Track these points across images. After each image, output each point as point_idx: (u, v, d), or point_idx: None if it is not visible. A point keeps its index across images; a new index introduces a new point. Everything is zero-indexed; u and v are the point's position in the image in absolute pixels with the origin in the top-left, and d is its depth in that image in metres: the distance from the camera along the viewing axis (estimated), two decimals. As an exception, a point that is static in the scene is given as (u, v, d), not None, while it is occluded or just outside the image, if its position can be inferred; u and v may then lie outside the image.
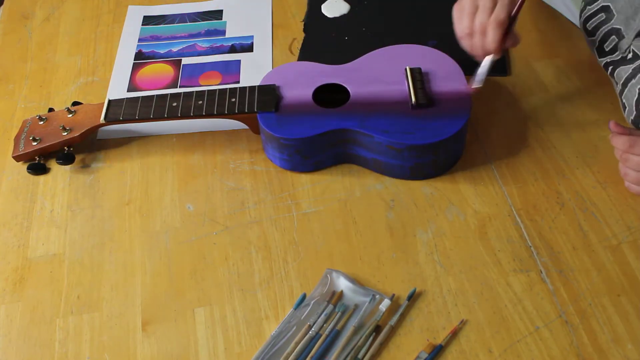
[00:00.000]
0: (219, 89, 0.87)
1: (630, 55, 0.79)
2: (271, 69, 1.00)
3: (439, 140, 0.79)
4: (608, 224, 0.77)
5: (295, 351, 0.68)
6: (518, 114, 0.91)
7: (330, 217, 0.81)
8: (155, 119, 0.86)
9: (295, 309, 0.72)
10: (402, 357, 0.68)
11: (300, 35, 1.06)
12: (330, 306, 0.71)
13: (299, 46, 1.04)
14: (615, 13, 0.82)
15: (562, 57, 0.97)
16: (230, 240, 0.80)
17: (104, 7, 1.15)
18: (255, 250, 0.78)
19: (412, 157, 0.80)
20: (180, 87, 1.00)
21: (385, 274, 0.75)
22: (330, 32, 1.06)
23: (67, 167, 0.89)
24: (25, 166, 0.89)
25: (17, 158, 0.89)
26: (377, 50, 0.90)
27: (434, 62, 0.88)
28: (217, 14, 1.12)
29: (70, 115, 0.90)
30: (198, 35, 1.08)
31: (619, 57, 0.81)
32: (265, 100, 0.85)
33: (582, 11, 0.90)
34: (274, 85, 0.87)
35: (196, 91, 0.87)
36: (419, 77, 0.85)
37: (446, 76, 0.86)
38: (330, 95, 0.86)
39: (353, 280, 0.74)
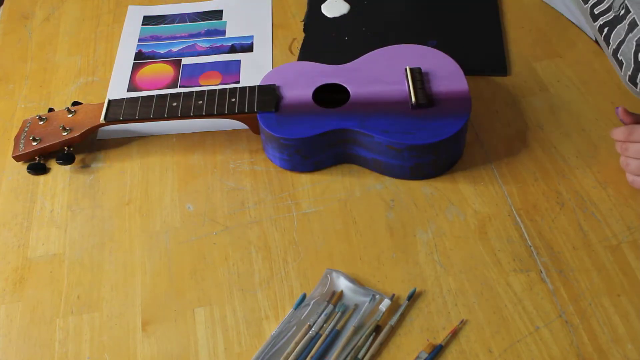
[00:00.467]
0: (219, 89, 0.87)
1: (622, 12, 0.79)
2: (271, 69, 1.00)
3: (439, 140, 0.79)
4: (608, 224, 0.77)
5: (295, 351, 0.68)
6: (518, 114, 0.91)
7: (330, 217, 0.81)
8: (155, 119, 0.86)
9: (295, 309, 0.72)
10: (402, 357, 0.68)
11: (300, 35, 1.06)
12: (330, 306, 0.71)
13: (299, 46, 1.04)
14: None
15: (562, 57, 0.97)
16: (230, 240, 0.80)
17: (104, 7, 1.15)
18: (255, 250, 0.78)
19: (412, 157, 0.80)
20: (180, 87, 1.00)
21: (385, 274, 0.75)
22: (330, 32, 1.06)
23: (67, 167, 0.89)
24: (25, 166, 0.89)
25: (17, 158, 0.89)
26: (377, 50, 0.90)
27: (434, 62, 0.88)
28: (217, 14, 1.12)
29: (70, 115, 0.90)
30: (198, 35, 1.08)
31: (612, 15, 0.81)
32: (265, 100, 0.85)
33: None
34: (274, 85, 0.87)
35: (196, 91, 0.87)
36: (419, 77, 0.85)
37: (446, 76, 0.86)
38: (330, 95, 0.86)
39: (353, 280, 0.74)
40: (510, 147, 0.86)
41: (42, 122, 0.91)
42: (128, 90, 1.00)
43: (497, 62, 0.97)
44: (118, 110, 0.87)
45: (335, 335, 0.69)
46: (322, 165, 0.86)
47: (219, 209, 0.83)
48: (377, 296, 0.72)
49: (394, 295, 0.72)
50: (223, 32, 1.09)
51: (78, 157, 0.90)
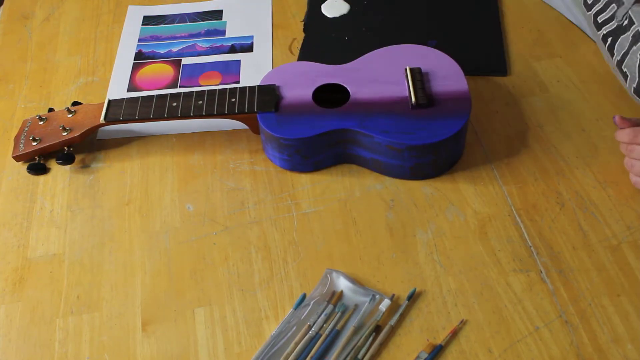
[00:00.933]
0: (219, 89, 0.87)
1: (626, 22, 0.78)
2: (271, 69, 1.00)
3: (439, 140, 0.79)
4: (608, 224, 0.77)
5: (295, 351, 0.68)
6: (518, 114, 0.91)
7: (330, 217, 0.81)
8: (155, 119, 0.86)
9: (295, 309, 0.72)
10: (402, 357, 0.68)
11: (300, 35, 1.06)
12: (330, 306, 0.71)
13: (299, 46, 1.04)
14: None
15: (562, 57, 0.97)
16: (230, 240, 0.80)
17: (104, 7, 1.15)
18: (255, 250, 0.78)
19: (412, 157, 0.80)
20: (180, 87, 1.00)
21: (385, 274, 0.75)
22: (330, 32, 1.06)
23: (67, 167, 0.89)
24: (25, 166, 0.89)
25: (17, 158, 0.89)
26: (377, 50, 0.90)
27: (434, 62, 0.88)
28: (217, 14, 1.12)
29: (70, 115, 0.90)
30: (198, 35, 1.08)
31: (615, 25, 0.80)
32: (265, 100, 0.85)
33: None
34: (273, 85, 0.87)
35: (196, 91, 0.87)
36: (419, 77, 0.85)
37: (446, 76, 0.86)
38: (330, 95, 0.86)
39: (353, 280, 0.74)
40: (510, 147, 0.86)
41: (42, 122, 0.91)
42: (128, 90, 1.00)
43: (497, 62, 0.97)
44: (118, 111, 0.87)
45: (335, 336, 0.69)
46: (322, 165, 0.86)
47: (219, 209, 0.83)
48: (377, 296, 0.72)
49: (393, 295, 0.72)
50: (223, 32, 1.09)
51: (78, 157, 0.90)
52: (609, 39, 0.83)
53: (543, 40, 1.00)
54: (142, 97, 0.88)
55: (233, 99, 0.86)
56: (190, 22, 1.11)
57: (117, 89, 1.00)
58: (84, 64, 1.05)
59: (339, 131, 0.81)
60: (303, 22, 1.08)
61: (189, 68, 1.03)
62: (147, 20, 1.12)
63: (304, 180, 0.85)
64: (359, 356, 0.67)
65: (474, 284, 0.73)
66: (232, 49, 1.05)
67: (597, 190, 0.81)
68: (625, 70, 0.80)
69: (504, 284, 0.73)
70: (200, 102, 0.86)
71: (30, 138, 0.89)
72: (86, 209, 0.84)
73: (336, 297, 0.72)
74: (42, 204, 0.86)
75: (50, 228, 0.83)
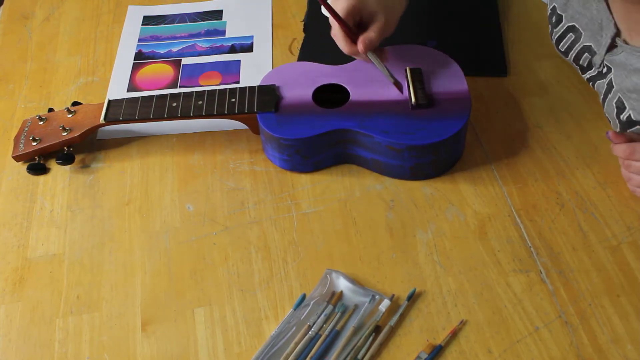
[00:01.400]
0: (219, 89, 0.87)
1: (604, 70, 0.81)
2: (271, 69, 1.00)
3: (439, 141, 0.79)
4: (608, 224, 0.77)
5: (295, 351, 0.68)
6: (518, 114, 0.90)
7: (330, 217, 0.81)
8: (155, 119, 0.86)
9: (295, 309, 0.72)
10: (402, 358, 0.68)
11: (300, 35, 1.06)
12: (330, 306, 0.71)
13: (299, 46, 1.04)
14: (582, 31, 0.84)
15: (562, 57, 0.97)
16: (230, 240, 0.80)
17: (104, 7, 1.15)
18: (255, 250, 0.78)
19: (412, 158, 0.80)
20: (180, 87, 1.00)
21: (385, 274, 0.75)
22: (330, 32, 1.06)
23: (67, 167, 0.89)
24: (25, 166, 0.89)
25: (17, 158, 0.89)
26: None
27: (434, 63, 0.87)
28: (217, 14, 1.12)
29: (70, 116, 0.90)
30: (198, 35, 1.08)
31: (596, 72, 0.83)
32: (265, 100, 0.85)
33: (551, 34, 0.91)
34: (273, 85, 0.87)
35: (196, 91, 0.87)
36: (419, 77, 0.85)
37: (446, 76, 0.86)
38: (330, 95, 0.86)
39: (353, 280, 0.74)
40: (510, 147, 0.86)
41: (42, 122, 0.91)
42: (128, 90, 1.00)
43: (497, 62, 0.97)
44: (118, 111, 0.87)
45: (335, 336, 0.69)
46: (322, 165, 0.86)
47: (219, 209, 0.83)
48: (377, 296, 0.72)
49: (393, 295, 0.72)
50: (223, 32, 1.09)
51: (78, 157, 0.90)
52: (591, 83, 0.86)
53: (543, 40, 1.00)
54: (142, 97, 0.88)
55: (233, 99, 0.86)
56: (190, 22, 1.11)
57: (117, 89, 1.00)
58: (84, 64, 1.05)
59: (339, 131, 0.81)
60: (303, 22, 1.08)
61: (189, 68, 1.03)
62: (147, 20, 1.12)
63: (304, 180, 0.85)
64: (359, 356, 0.67)
65: (474, 284, 0.73)
66: (232, 49, 1.05)
67: (597, 190, 0.81)
68: (607, 116, 0.83)
69: (504, 285, 0.73)
70: (200, 102, 0.86)
71: (30, 138, 0.89)
72: (86, 209, 0.84)
73: (336, 298, 0.72)
74: (42, 204, 0.86)
75: (50, 228, 0.83)
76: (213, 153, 0.89)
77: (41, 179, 0.89)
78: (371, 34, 0.79)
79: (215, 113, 0.85)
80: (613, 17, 0.78)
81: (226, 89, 0.87)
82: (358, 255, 0.77)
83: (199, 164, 0.88)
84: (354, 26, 0.80)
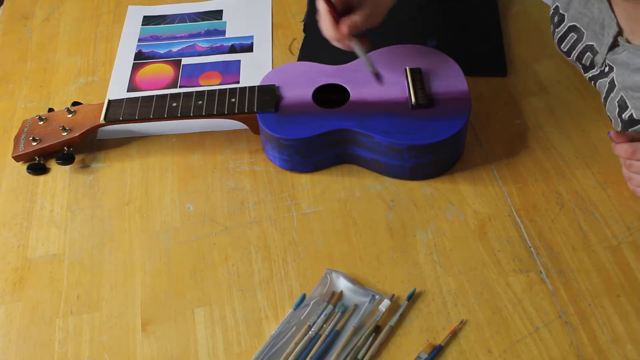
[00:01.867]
0: (219, 89, 0.87)
1: (606, 69, 0.81)
2: (271, 69, 1.00)
3: (439, 141, 0.79)
4: (608, 224, 0.77)
5: (295, 351, 0.68)
6: (518, 114, 0.90)
7: (330, 217, 0.81)
8: (155, 119, 0.86)
9: (295, 309, 0.72)
10: (402, 357, 0.68)
11: (300, 35, 1.06)
12: (330, 306, 0.71)
13: (299, 46, 1.04)
14: (584, 30, 0.84)
15: (562, 57, 0.97)
16: (230, 240, 0.80)
17: (104, 7, 1.15)
18: (255, 250, 0.78)
19: (412, 158, 0.80)
20: (180, 87, 1.00)
21: (385, 274, 0.75)
22: (330, 32, 1.06)
23: (67, 167, 0.89)
24: (25, 166, 0.89)
25: (17, 158, 0.89)
26: (377, 50, 0.90)
27: (434, 62, 0.87)
28: (217, 14, 1.12)
29: (70, 116, 0.90)
30: (198, 35, 1.08)
31: (598, 71, 0.83)
32: (265, 100, 0.85)
33: (553, 34, 0.91)
34: (273, 85, 0.87)
35: (196, 91, 0.87)
36: (419, 77, 0.85)
37: (446, 76, 0.86)
38: (330, 96, 0.86)
39: (353, 280, 0.74)
40: (510, 147, 0.86)
41: (42, 122, 0.91)
42: (128, 90, 1.00)
43: (497, 62, 0.97)
44: (118, 111, 0.87)
45: (335, 336, 0.69)
46: (322, 165, 0.86)
47: (219, 209, 0.83)
48: (377, 296, 0.72)
49: (393, 295, 0.72)
50: (223, 32, 1.09)
51: (78, 157, 0.90)
52: (592, 82, 0.86)
53: (543, 40, 1.00)
54: (142, 97, 0.88)
55: (233, 99, 0.86)
56: (190, 22, 1.11)
57: (117, 89, 1.00)
58: (84, 64, 1.05)
59: (339, 131, 0.81)
60: (303, 22, 1.08)
61: (189, 68, 1.03)
62: (147, 20, 1.12)
63: (304, 180, 0.85)
64: (359, 356, 0.67)
65: (474, 284, 0.73)
66: (232, 49, 1.05)
67: (597, 190, 0.81)
68: (608, 115, 0.83)
69: (504, 284, 0.73)
70: (200, 102, 0.86)
71: (30, 138, 0.89)
72: (86, 209, 0.84)
73: (336, 298, 0.72)
74: (42, 204, 0.86)
75: (50, 228, 0.83)
76: (213, 153, 0.89)
77: (41, 179, 0.89)
78: (355, 17, 0.79)
79: (215, 113, 0.85)
80: (615, 16, 0.78)
81: (226, 89, 0.87)
82: (358, 255, 0.77)
83: (199, 164, 0.88)
84: (342, 12, 0.80)
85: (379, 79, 0.84)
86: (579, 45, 0.84)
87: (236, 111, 0.85)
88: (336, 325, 0.70)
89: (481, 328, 0.70)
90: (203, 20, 1.11)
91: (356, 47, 0.82)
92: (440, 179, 0.84)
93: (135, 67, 1.04)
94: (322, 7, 0.80)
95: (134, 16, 1.13)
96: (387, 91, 0.85)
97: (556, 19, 0.89)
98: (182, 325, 0.72)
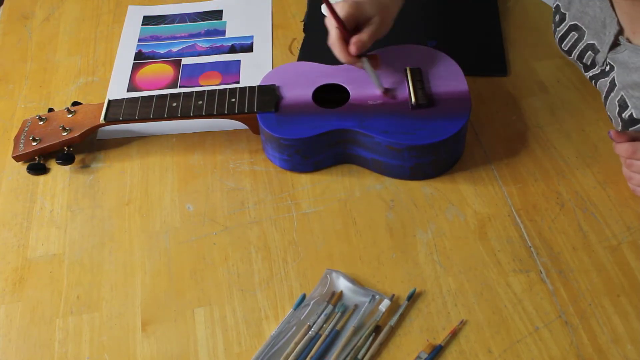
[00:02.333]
0: (219, 89, 0.87)
1: (607, 68, 0.81)
2: (271, 69, 1.00)
3: (439, 141, 0.79)
4: (608, 224, 0.77)
5: (295, 351, 0.68)
6: (518, 114, 0.90)
7: (330, 217, 0.81)
8: (155, 119, 0.86)
9: (295, 309, 0.72)
10: (402, 357, 0.68)
11: (300, 35, 1.06)
12: (330, 306, 0.71)
13: (299, 46, 1.04)
14: (585, 29, 0.84)
15: (562, 57, 0.97)
16: (230, 240, 0.80)
17: (104, 7, 1.15)
18: (255, 250, 0.78)
19: (411, 158, 0.80)
20: (180, 87, 1.00)
21: (385, 274, 0.75)
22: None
23: (67, 167, 0.89)
24: (25, 166, 0.89)
25: (17, 158, 0.89)
26: (376, 51, 0.90)
27: (434, 62, 0.88)
28: (217, 14, 1.12)
29: (70, 116, 0.90)
30: (198, 35, 1.08)
31: (599, 70, 0.83)
32: (265, 100, 0.85)
33: (554, 33, 0.92)
34: (273, 85, 0.87)
35: (196, 91, 0.87)
36: (419, 77, 0.85)
37: (446, 76, 0.86)
38: (330, 95, 0.86)
39: (353, 280, 0.74)
40: (510, 147, 0.86)
41: (42, 122, 0.91)
42: (128, 90, 1.00)
43: (497, 62, 0.97)
44: (118, 111, 0.87)
45: (335, 336, 0.69)
46: (322, 165, 0.86)
47: (219, 209, 0.83)
48: (377, 296, 0.72)
49: (393, 295, 0.72)
50: (223, 32, 1.09)
51: (78, 157, 0.90)
52: (593, 81, 0.86)
53: (543, 40, 1.00)
54: (142, 97, 0.88)
55: (233, 99, 0.86)
56: (190, 22, 1.11)
57: (117, 89, 1.00)
58: (84, 64, 1.05)
59: (338, 131, 0.81)
60: (303, 22, 1.08)
61: (189, 68, 1.03)
62: (147, 20, 1.12)
63: (304, 180, 0.85)
64: (359, 356, 0.67)
65: (474, 284, 0.73)
66: (232, 49, 1.05)
67: (597, 190, 0.81)
68: (609, 114, 0.83)
69: (504, 284, 0.73)
70: (200, 102, 0.86)
71: (30, 138, 0.89)
72: (86, 209, 0.84)
73: (336, 298, 0.72)
74: (42, 204, 0.86)
75: (50, 228, 0.83)
76: (213, 153, 0.89)
77: (41, 179, 0.89)
78: (363, 35, 0.80)
79: (215, 113, 0.85)
80: (616, 15, 0.78)
81: (226, 89, 0.87)
82: (358, 255, 0.77)
83: (199, 164, 0.88)
84: (351, 32, 0.81)
85: (386, 94, 0.84)
86: (580, 44, 0.84)
87: (236, 111, 0.85)
88: (336, 325, 0.70)
89: (481, 328, 0.70)
90: (203, 20, 1.11)
91: (366, 65, 0.82)
92: (440, 179, 0.84)
93: (135, 67, 1.04)
94: (332, 32, 0.81)
95: (134, 16, 1.13)
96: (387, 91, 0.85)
97: (557, 17, 0.89)
98: (182, 325, 0.72)
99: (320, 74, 0.88)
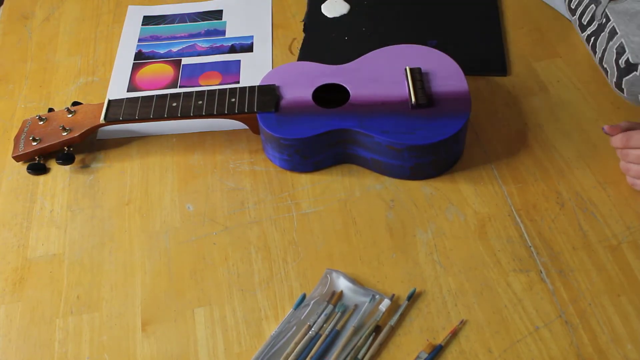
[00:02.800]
0: (219, 89, 0.87)
1: (604, 21, 0.80)
2: (271, 69, 1.00)
3: (439, 140, 0.79)
4: (608, 224, 0.77)
5: (295, 351, 0.68)
6: (518, 114, 0.90)
7: (330, 217, 0.81)
8: (155, 119, 0.86)
9: (295, 309, 0.72)
10: (402, 357, 0.68)
11: (300, 35, 1.06)
12: (330, 306, 0.71)
13: (299, 46, 1.04)
14: None
15: (562, 57, 0.97)
16: (230, 240, 0.80)
17: (104, 7, 1.15)
18: (255, 250, 0.78)
19: (412, 157, 0.80)
20: (180, 87, 1.00)
21: (385, 274, 0.75)
22: (330, 32, 1.06)
23: (67, 167, 0.89)
24: (25, 166, 0.89)
25: (17, 158, 0.89)
26: (377, 50, 0.90)
27: (434, 62, 0.88)
28: (217, 14, 1.12)
29: (70, 115, 0.90)
30: (198, 35, 1.08)
31: (596, 26, 0.82)
32: (265, 100, 0.85)
33: None
34: (273, 85, 0.87)
35: (196, 91, 0.87)
36: (419, 77, 0.85)
37: (446, 76, 0.86)
38: (330, 95, 0.86)
39: (353, 280, 0.74)
40: (510, 147, 0.86)
41: (42, 122, 0.91)
42: (128, 90, 1.00)
43: (497, 62, 0.97)
44: (118, 111, 0.87)
45: (335, 336, 0.69)
46: (322, 165, 0.86)
47: (219, 209, 0.83)
48: (377, 296, 0.72)
49: (393, 295, 0.72)
50: (223, 32, 1.09)
51: (78, 157, 0.90)
52: (592, 39, 0.84)
53: (543, 40, 1.00)
54: (142, 97, 0.88)
55: (233, 99, 0.86)
56: (190, 22, 1.11)
57: (117, 89, 1.00)
58: (84, 64, 1.05)
59: (338, 131, 0.81)
60: (303, 22, 1.08)
61: (189, 68, 1.03)
62: (147, 20, 1.12)
63: (304, 180, 0.85)
64: (359, 356, 0.67)
65: (474, 284, 0.73)
66: (232, 49, 1.05)
67: (597, 190, 0.81)
68: (605, 66, 0.82)
69: (504, 284, 0.73)
70: (200, 102, 0.86)
71: (30, 138, 0.89)
72: (86, 209, 0.84)
73: (336, 297, 0.72)
74: (42, 204, 0.86)
75: (50, 228, 0.83)
76: (213, 153, 0.89)
77: (41, 179, 0.89)
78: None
79: (215, 113, 0.85)
80: None
81: (226, 88, 0.87)
82: (358, 255, 0.77)
83: (199, 164, 0.88)
84: None
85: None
86: None
87: (236, 111, 0.85)
88: (336, 325, 0.70)
89: (481, 328, 0.70)
90: (203, 20, 1.11)
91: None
92: (440, 178, 0.84)
93: (135, 67, 1.04)
94: None
95: (134, 16, 1.13)
96: (387, 91, 0.85)
97: None
98: (182, 325, 0.72)
99: (320, 74, 0.88)
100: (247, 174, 0.86)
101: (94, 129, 0.89)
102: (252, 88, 0.87)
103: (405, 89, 0.85)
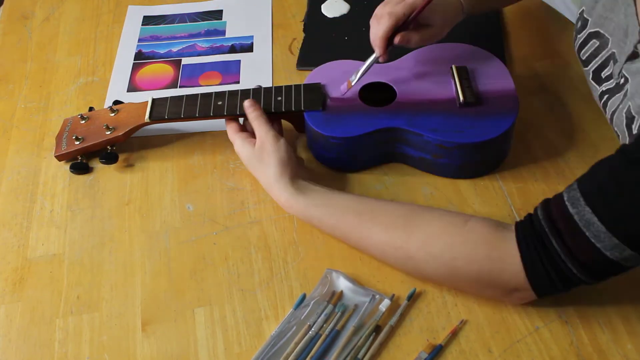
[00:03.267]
0: (264, 88, 0.86)
1: (622, 81, 0.74)
2: (271, 69, 1.00)
3: (490, 139, 0.78)
4: (608, 224, 0.77)
5: (295, 351, 0.68)
6: (518, 114, 0.90)
7: (330, 217, 0.81)
8: (200, 117, 0.85)
9: (295, 309, 0.72)
10: (402, 357, 0.68)
11: (300, 35, 1.06)
12: (330, 306, 0.71)
13: (299, 46, 1.04)
14: (608, 36, 0.76)
15: (562, 57, 0.97)
16: (230, 240, 0.80)
17: (104, 7, 1.15)
18: (255, 250, 0.78)
19: (461, 156, 0.80)
20: (180, 87, 1.00)
21: (385, 274, 0.75)
22: (330, 32, 1.06)
23: (67, 167, 0.89)
24: (25, 166, 0.89)
25: (60, 157, 0.88)
26: (420, 49, 0.89)
27: (479, 61, 0.87)
28: (217, 14, 1.12)
29: (113, 114, 0.89)
30: (198, 35, 1.08)
31: (614, 84, 0.76)
32: (311, 98, 0.84)
33: (574, 40, 0.85)
34: (319, 83, 0.86)
35: (241, 90, 0.86)
36: (465, 75, 0.84)
37: (492, 74, 0.85)
38: (373, 94, 0.85)
39: (353, 280, 0.74)
40: (510, 147, 0.86)
41: (84, 121, 0.90)
42: (128, 91, 1.00)
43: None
44: (163, 109, 0.87)
45: (335, 336, 0.69)
46: (370, 164, 0.85)
47: (219, 209, 0.83)
48: (377, 296, 0.72)
49: (393, 295, 0.72)
50: (223, 32, 1.09)
51: (121, 157, 0.89)
52: (605, 97, 0.77)
53: (543, 40, 1.00)
54: (186, 95, 0.87)
55: (279, 98, 0.85)
56: (190, 22, 1.11)
57: (117, 89, 1.00)
58: (84, 64, 1.05)
59: (387, 130, 0.81)
60: (303, 22, 1.08)
61: (189, 68, 1.03)
62: (147, 20, 1.12)
63: (304, 180, 0.85)
64: (359, 356, 0.67)
65: (474, 284, 0.73)
66: (232, 49, 1.05)
67: (597, 190, 0.80)
68: (615, 129, 0.76)
69: (504, 284, 0.73)
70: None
71: (73, 137, 0.88)
72: (86, 209, 0.84)
73: (336, 297, 0.72)
74: (42, 204, 0.86)
75: (50, 228, 0.83)
76: (213, 153, 0.89)
77: (41, 179, 0.88)
78: (415, 36, 0.82)
79: None
80: (639, 24, 0.70)
81: (271, 87, 0.86)
82: (358, 255, 0.77)
83: (199, 164, 0.88)
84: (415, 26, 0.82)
85: (348, 88, 0.84)
86: (603, 52, 0.77)
87: (283, 110, 0.84)
88: (336, 325, 0.70)
89: (481, 328, 0.70)
90: (203, 20, 1.11)
91: (373, 55, 0.83)
92: (440, 178, 0.84)
93: (135, 67, 1.04)
94: (398, 10, 0.81)
95: (134, 16, 1.13)
96: (433, 89, 0.84)
97: (579, 23, 0.83)
98: (182, 325, 0.72)
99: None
100: (247, 174, 0.86)
101: (138, 128, 0.88)
102: (297, 86, 0.86)
103: (451, 88, 0.84)
